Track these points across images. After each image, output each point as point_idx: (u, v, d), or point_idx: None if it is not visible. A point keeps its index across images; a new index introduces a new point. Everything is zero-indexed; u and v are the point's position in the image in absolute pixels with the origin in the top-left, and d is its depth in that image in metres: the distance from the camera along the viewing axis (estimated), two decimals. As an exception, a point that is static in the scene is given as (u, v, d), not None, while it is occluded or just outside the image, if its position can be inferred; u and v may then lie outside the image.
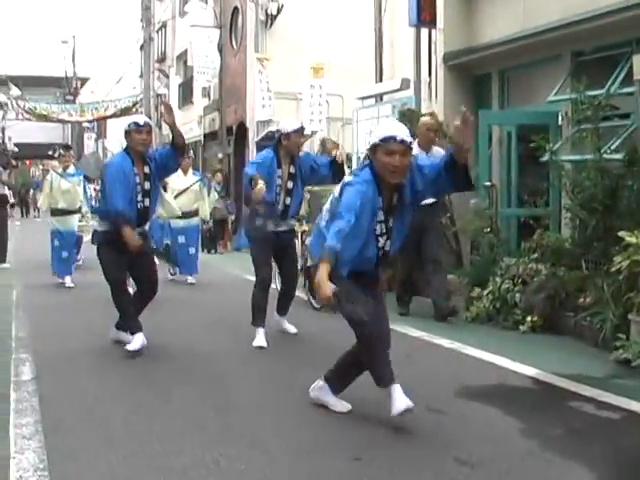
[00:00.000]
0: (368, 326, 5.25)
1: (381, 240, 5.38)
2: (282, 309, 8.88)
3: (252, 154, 24.40)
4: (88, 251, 11.88)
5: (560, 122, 10.68)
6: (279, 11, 24.70)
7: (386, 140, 5.17)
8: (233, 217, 22.47)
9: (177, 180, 13.38)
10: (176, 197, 13.08)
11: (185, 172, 13.70)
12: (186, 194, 13.61)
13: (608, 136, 9.38)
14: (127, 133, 7.71)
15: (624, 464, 4.77)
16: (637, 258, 7.36)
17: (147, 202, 7.74)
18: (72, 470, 4.59)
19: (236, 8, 27.02)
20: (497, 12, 12.51)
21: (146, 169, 7.72)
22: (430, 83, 14.13)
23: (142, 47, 40.64)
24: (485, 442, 5.07)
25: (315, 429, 5.39)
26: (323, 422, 5.54)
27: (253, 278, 11.76)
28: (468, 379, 6.75)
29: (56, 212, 13.53)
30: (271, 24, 24.86)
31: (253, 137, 24.66)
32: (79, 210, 13.77)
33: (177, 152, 7.82)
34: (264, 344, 8.03)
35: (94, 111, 36.40)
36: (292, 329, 8.77)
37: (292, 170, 8.28)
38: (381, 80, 17.16)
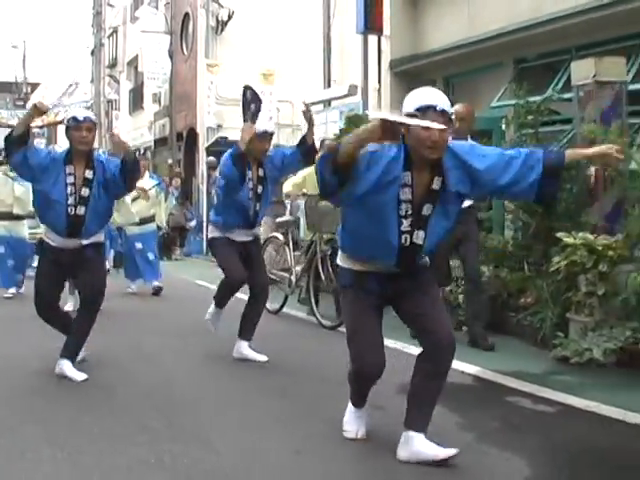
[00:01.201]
0: (358, 363, 4.89)
1: (405, 223, 4.58)
2: (247, 331, 7.74)
3: (202, 160, 24.48)
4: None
5: (504, 127, 10.91)
6: (230, 17, 24.83)
7: (423, 110, 4.36)
8: (193, 223, 22.23)
9: None
10: (132, 202, 12.47)
11: (141, 176, 12.70)
12: (142, 199, 12.77)
13: (550, 141, 9.61)
14: (67, 129, 6.75)
15: (559, 454, 4.92)
16: (574, 258, 7.57)
17: (81, 210, 6.67)
18: (17, 469, 4.64)
19: (187, 14, 27.10)
20: (442, 20, 12.76)
21: (88, 173, 6.71)
22: (380, 89, 14.33)
23: (93, 52, 40.58)
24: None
25: (258, 425, 5.50)
26: (266, 419, 5.66)
27: (204, 282, 11.82)
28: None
29: (4, 216, 12.62)
30: (222, 30, 24.99)
31: (203, 143, 24.75)
32: (31, 216, 12.65)
33: (126, 176, 6.80)
34: (216, 321, 7.93)
35: (44, 117, 36.14)
36: (261, 357, 7.60)
37: (260, 173, 7.64)
38: (329, 86, 17.36)
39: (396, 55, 13.39)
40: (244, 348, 7.65)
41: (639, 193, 8.02)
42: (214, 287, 13.23)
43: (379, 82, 14.32)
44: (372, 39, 14.52)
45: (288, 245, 10.49)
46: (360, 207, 4.60)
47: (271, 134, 7.76)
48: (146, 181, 12.84)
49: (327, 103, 16.76)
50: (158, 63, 27.83)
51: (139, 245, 12.80)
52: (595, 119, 8.24)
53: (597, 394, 6.21)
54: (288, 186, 10.74)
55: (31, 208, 12.54)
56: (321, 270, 9.70)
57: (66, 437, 5.19)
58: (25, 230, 12.97)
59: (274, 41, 22.82)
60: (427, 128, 4.32)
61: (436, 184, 4.57)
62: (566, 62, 10.29)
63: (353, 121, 12.67)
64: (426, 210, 4.59)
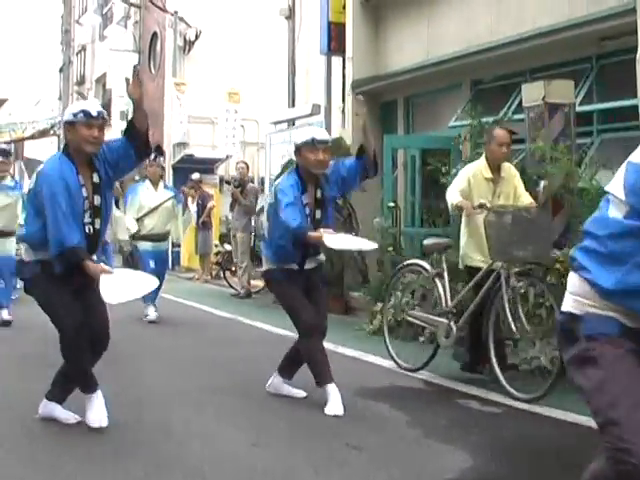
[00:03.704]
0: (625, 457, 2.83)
1: None
2: (288, 371, 6.66)
3: (169, 177, 24.73)
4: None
5: (460, 146, 11.31)
6: (197, 37, 25.16)
7: None
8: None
9: (146, 195, 11.19)
10: (145, 216, 11.16)
11: (155, 185, 11.35)
12: (157, 212, 11.22)
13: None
14: (70, 125, 5.40)
15: (498, 448, 5.29)
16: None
17: (97, 223, 5.48)
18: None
19: (155, 33, 27.38)
20: (403, 42, 13.15)
21: (95, 177, 5.45)
22: (344, 109, 14.68)
23: (61, 70, 40.71)
24: (375, 431, 5.59)
25: (219, 418, 5.90)
26: (226, 412, 6.09)
27: (170, 297, 11.99)
28: (365, 381, 7.26)
29: None
30: (189, 50, 25.32)
31: (169, 160, 25.01)
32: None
33: (136, 143, 5.47)
34: (340, 412, 6.01)
35: (12, 132, 36.26)
36: (298, 392, 6.56)
37: (319, 195, 6.43)
38: (293, 106, 17.73)
39: (358, 76, 13.75)
40: (280, 385, 6.66)
41: (587, 210, 8.40)
42: (175, 299, 13.49)
43: (343, 102, 14.67)
44: (336, 60, 14.90)
45: (441, 277, 7.66)
46: None
47: (328, 142, 6.47)
48: (161, 192, 11.39)
49: (291, 122, 17.11)
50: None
51: (152, 264, 11.01)
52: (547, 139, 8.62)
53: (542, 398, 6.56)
54: (455, 195, 7.37)
55: (20, 222, 9.84)
56: (510, 316, 6.79)
57: (41, 428, 5.55)
58: (13, 247, 10.27)
59: (240, 61, 23.18)
60: None
61: None
62: (520, 84, 10.68)
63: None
64: None
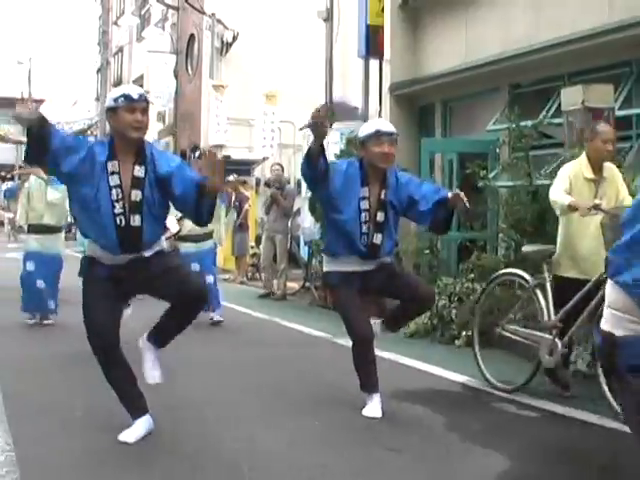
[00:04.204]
0: None
1: None
2: (394, 324, 6.55)
3: (205, 178, 24.84)
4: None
5: (498, 150, 11.31)
6: (234, 39, 25.28)
7: None
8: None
9: None
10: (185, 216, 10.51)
11: None
12: None
13: (542, 163, 9.99)
14: (112, 111, 5.14)
15: (535, 453, 5.29)
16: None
17: (136, 220, 5.11)
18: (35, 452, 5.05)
19: (192, 35, 27.53)
20: (441, 45, 13.17)
21: (137, 170, 5.14)
22: (380, 112, 14.71)
23: (99, 70, 40.99)
24: (412, 434, 5.62)
25: (257, 418, 5.93)
26: (263, 412, 6.14)
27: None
28: (402, 384, 7.26)
29: (37, 229, 10.43)
30: (226, 52, 25.45)
31: (206, 161, 25.12)
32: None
33: (203, 200, 5.17)
34: (378, 415, 5.99)
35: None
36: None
37: (383, 196, 6.11)
38: (331, 108, 17.78)
39: (396, 79, 13.79)
40: (381, 332, 6.51)
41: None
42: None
43: (380, 104, 14.70)
44: (373, 63, 14.94)
45: (543, 288, 6.88)
46: None
47: (393, 134, 6.09)
48: None
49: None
50: (163, 82, 28.26)
51: (196, 266, 10.36)
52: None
53: (579, 402, 6.54)
54: (564, 195, 6.70)
55: (69, 219, 10.47)
56: None
57: (81, 427, 5.62)
58: (61, 244, 10.75)
59: (278, 63, 23.26)
60: None
61: None
62: (559, 88, 10.65)
63: (353, 143, 13.08)
64: None
